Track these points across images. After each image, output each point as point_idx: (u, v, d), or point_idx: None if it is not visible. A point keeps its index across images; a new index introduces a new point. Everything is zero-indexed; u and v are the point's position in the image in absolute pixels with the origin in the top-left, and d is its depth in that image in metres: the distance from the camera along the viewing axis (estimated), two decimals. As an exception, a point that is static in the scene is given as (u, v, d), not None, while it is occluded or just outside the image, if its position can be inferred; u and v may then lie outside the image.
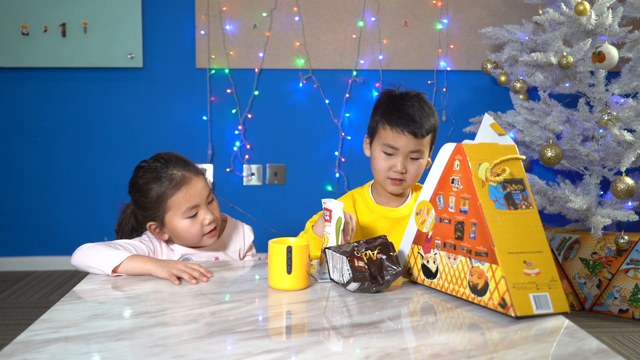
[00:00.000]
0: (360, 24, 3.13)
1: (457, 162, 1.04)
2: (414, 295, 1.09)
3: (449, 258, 1.05)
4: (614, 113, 2.35)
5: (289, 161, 3.21)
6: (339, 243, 1.21)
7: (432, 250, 1.10)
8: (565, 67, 2.36)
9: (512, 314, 0.91)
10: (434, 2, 3.14)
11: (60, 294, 2.69)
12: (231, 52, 3.11)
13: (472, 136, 2.95)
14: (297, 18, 3.11)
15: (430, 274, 1.10)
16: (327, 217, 1.24)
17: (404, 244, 1.18)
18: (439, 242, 1.08)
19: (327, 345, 0.84)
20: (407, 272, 1.16)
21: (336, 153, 3.20)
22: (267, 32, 3.11)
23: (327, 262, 1.17)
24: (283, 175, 3.19)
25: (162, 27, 3.11)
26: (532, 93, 2.94)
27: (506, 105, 2.97)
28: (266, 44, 3.12)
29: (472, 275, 1.00)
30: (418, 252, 1.13)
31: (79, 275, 3.02)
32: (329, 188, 3.19)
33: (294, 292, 1.10)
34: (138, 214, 1.44)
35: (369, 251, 1.09)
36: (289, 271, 1.10)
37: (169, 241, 1.45)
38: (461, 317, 0.97)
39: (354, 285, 1.07)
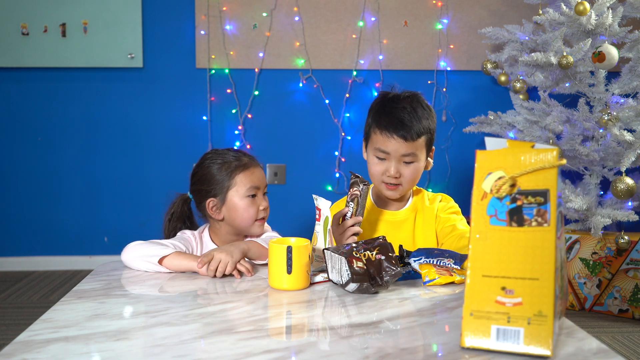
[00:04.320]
0: (360, 24, 3.13)
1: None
2: (414, 296, 1.09)
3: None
4: (614, 113, 2.35)
5: (289, 161, 3.21)
6: (327, 242, 1.21)
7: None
8: (565, 67, 2.36)
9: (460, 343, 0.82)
10: (434, 2, 3.14)
11: (60, 294, 2.68)
12: (231, 52, 3.11)
13: (472, 136, 2.97)
14: (297, 18, 3.11)
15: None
16: (317, 216, 1.24)
17: None
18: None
19: (326, 346, 0.84)
20: None
21: (336, 153, 3.20)
22: (267, 32, 3.11)
23: (325, 263, 1.17)
24: (283, 175, 3.19)
25: (162, 27, 3.11)
26: (532, 93, 2.94)
27: (506, 105, 2.97)
28: (266, 44, 3.12)
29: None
30: None
31: (79, 275, 3.02)
32: (329, 188, 3.19)
33: (294, 292, 1.10)
34: (200, 192, 1.49)
35: (368, 252, 1.09)
36: (289, 271, 1.10)
37: (205, 244, 1.51)
38: (460, 317, 0.96)
39: (352, 286, 1.07)
